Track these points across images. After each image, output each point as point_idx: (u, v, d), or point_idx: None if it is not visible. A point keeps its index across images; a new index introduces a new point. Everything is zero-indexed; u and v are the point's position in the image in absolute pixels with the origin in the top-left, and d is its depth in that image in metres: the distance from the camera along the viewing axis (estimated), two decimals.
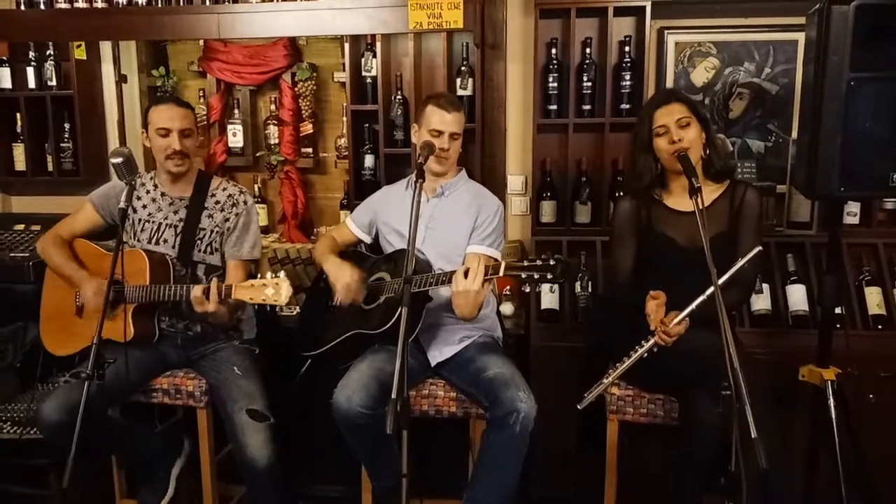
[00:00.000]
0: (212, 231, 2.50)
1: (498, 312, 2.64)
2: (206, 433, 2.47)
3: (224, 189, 2.55)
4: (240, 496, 2.72)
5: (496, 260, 2.36)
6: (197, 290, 2.26)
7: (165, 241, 2.48)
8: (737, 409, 1.67)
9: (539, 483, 2.77)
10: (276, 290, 2.18)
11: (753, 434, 1.61)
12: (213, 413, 2.46)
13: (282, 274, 2.20)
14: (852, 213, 2.83)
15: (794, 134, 2.88)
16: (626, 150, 2.91)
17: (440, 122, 2.35)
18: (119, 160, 2.11)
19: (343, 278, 2.37)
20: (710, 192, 2.30)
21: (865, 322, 2.69)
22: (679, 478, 2.19)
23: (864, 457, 2.29)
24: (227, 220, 2.51)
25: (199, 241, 2.49)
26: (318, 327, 2.49)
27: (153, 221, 2.50)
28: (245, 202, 2.55)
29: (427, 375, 2.41)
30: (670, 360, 2.16)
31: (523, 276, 2.00)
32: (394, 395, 1.69)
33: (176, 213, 2.50)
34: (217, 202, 2.52)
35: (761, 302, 2.72)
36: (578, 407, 2.21)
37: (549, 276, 1.96)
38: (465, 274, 2.06)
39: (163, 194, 2.52)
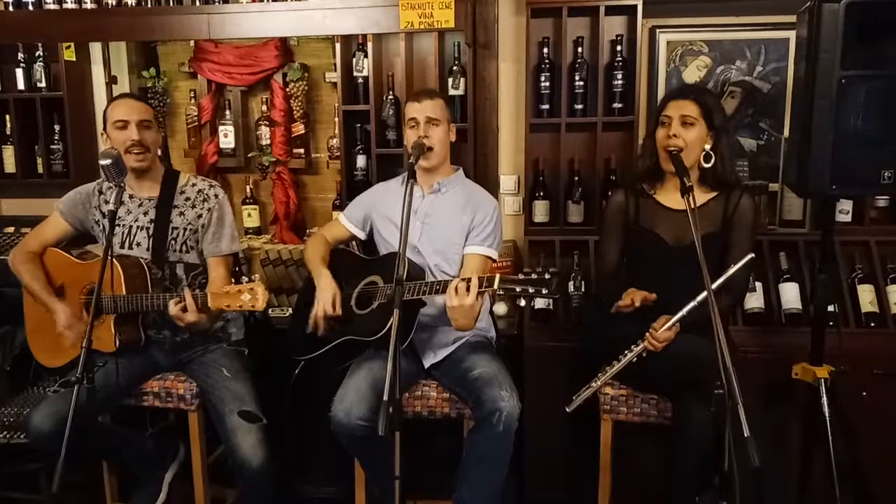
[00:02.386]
0: (185, 229, 2.45)
1: (491, 312, 2.63)
2: (197, 436, 2.45)
3: (193, 185, 2.50)
4: (232, 499, 2.70)
5: (494, 260, 2.38)
6: (173, 308, 2.21)
7: (138, 244, 2.44)
8: (729, 408, 1.67)
9: (533, 483, 2.77)
10: (252, 295, 2.13)
11: (746, 433, 1.61)
12: (204, 416, 2.45)
13: (256, 277, 2.18)
14: (844, 210, 2.82)
15: (786, 132, 2.88)
16: (618, 149, 2.93)
17: (413, 111, 2.38)
18: (108, 161, 2.08)
19: (323, 300, 2.35)
20: (705, 193, 2.30)
21: (858, 320, 2.68)
22: (672, 479, 2.18)
23: (858, 454, 2.29)
24: (199, 216, 2.46)
25: (172, 241, 2.44)
26: (311, 330, 2.47)
27: (123, 225, 2.45)
28: (216, 195, 2.49)
29: (420, 377, 2.40)
30: (663, 364, 2.16)
31: (517, 289, 1.96)
32: (385, 398, 1.69)
33: (146, 214, 2.45)
34: (187, 199, 2.47)
35: (754, 300, 2.72)
36: (567, 410, 2.21)
37: (545, 292, 1.93)
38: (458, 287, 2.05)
39: (130, 196, 2.46)
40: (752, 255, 2.14)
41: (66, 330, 2.36)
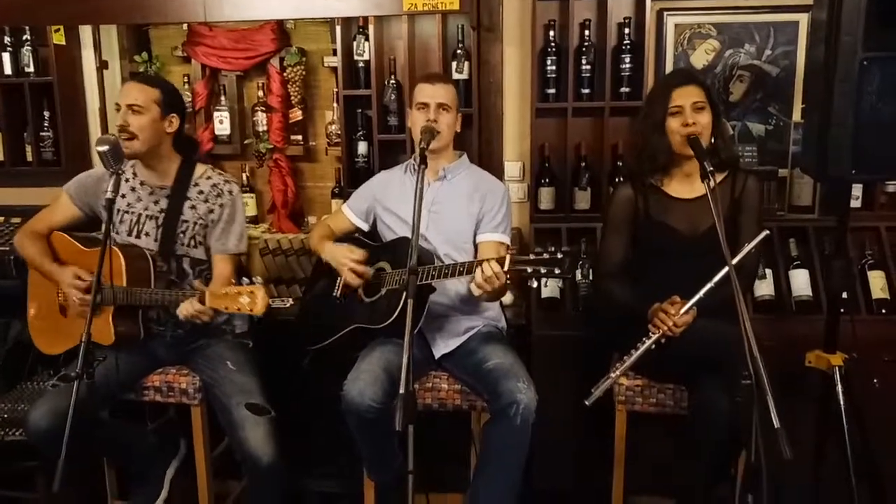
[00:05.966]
0: (195, 223, 2.37)
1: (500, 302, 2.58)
2: (200, 431, 2.39)
3: (208, 178, 2.42)
4: (236, 494, 2.65)
5: (508, 246, 2.33)
6: (183, 310, 2.17)
7: (147, 233, 2.37)
8: (757, 398, 1.63)
9: (542, 474, 2.73)
10: (251, 298, 2.06)
11: (777, 424, 1.57)
12: (207, 410, 2.38)
13: (258, 280, 2.11)
14: (854, 196, 2.78)
15: (795, 117, 2.84)
16: (626, 135, 2.87)
17: (425, 94, 2.32)
18: (105, 148, 2.01)
19: (346, 262, 2.32)
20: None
21: (869, 307, 2.67)
22: (688, 467, 2.15)
23: (870, 441, 2.27)
24: (211, 211, 2.38)
25: (181, 234, 2.36)
26: (319, 320, 2.42)
27: (133, 212, 2.38)
28: (230, 192, 2.42)
29: (431, 368, 2.35)
30: (678, 349, 2.12)
31: (529, 270, 1.91)
32: (401, 391, 1.64)
33: (156, 203, 2.38)
34: (201, 192, 2.39)
35: (764, 288, 2.69)
36: (586, 403, 2.14)
37: (557, 271, 1.88)
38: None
39: (142, 183, 2.39)
40: (767, 231, 2.12)
41: (71, 288, 2.30)
